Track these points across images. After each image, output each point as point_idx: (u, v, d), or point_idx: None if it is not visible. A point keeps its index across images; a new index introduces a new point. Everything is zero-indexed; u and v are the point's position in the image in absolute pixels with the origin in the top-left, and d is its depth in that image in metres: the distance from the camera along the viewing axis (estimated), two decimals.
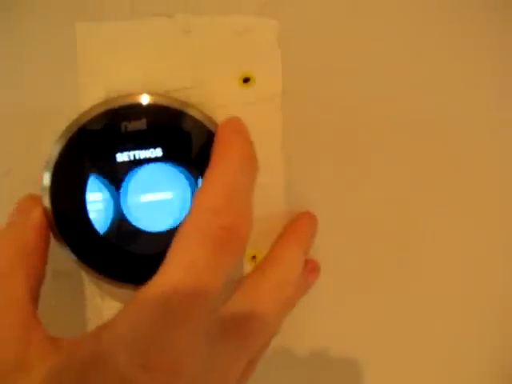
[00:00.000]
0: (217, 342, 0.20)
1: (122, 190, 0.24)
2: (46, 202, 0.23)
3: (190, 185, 0.24)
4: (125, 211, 0.24)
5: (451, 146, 0.27)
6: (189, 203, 0.24)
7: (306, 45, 0.25)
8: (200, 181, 0.24)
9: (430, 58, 0.26)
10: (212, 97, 0.25)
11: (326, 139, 0.27)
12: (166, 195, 0.24)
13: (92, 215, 0.24)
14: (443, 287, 0.29)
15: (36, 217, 0.22)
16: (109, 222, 0.24)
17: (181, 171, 0.24)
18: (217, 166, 0.21)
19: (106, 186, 0.24)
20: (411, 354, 0.30)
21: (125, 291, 0.25)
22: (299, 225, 0.26)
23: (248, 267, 0.27)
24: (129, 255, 0.24)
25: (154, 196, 0.24)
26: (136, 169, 0.24)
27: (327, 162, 0.27)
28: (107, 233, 0.24)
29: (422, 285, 0.29)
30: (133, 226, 0.24)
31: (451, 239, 0.28)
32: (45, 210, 0.23)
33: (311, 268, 0.26)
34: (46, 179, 0.23)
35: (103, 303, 0.28)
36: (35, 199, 0.23)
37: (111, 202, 0.24)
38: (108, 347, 0.17)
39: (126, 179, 0.24)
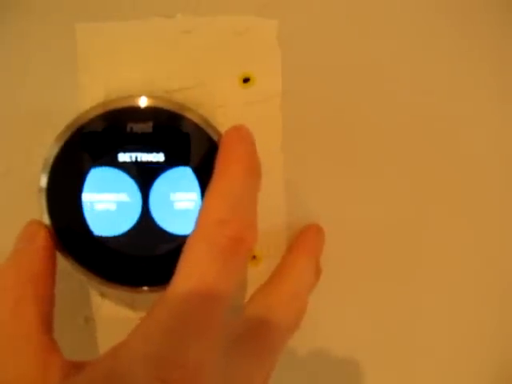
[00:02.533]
0: (234, 353, 0.20)
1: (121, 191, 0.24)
2: (43, 202, 0.23)
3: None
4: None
5: (452, 146, 0.27)
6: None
7: (306, 45, 0.25)
8: (198, 184, 0.24)
9: (430, 58, 0.26)
10: (212, 97, 0.25)
11: (325, 139, 0.27)
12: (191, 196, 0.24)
13: (88, 215, 0.24)
14: (443, 287, 0.29)
15: (41, 241, 0.22)
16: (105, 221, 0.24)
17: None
18: (222, 176, 0.21)
19: (103, 186, 0.24)
20: (411, 354, 0.30)
21: (123, 292, 0.25)
22: (308, 236, 0.27)
23: (248, 267, 0.27)
24: (124, 257, 0.24)
25: (179, 197, 0.24)
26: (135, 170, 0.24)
27: (327, 162, 0.27)
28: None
29: (422, 285, 0.29)
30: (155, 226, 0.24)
31: (451, 240, 0.28)
32: (49, 230, 0.23)
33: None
34: (43, 180, 0.23)
35: (103, 302, 0.28)
36: (38, 224, 0.23)
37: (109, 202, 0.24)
38: (125, 363, 0.17)
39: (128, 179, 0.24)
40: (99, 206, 0.24)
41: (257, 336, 0.21)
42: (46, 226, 0.23)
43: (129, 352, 0.18)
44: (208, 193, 0.20)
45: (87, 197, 0.24)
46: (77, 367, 0.20)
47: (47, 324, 0.21)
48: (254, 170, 0.21)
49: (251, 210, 0.21)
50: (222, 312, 0.19)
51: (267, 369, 0.22)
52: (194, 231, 0.20)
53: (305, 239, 0.26)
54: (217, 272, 0.19)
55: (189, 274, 0.19)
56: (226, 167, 0.21)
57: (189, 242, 0.20)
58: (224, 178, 0.21)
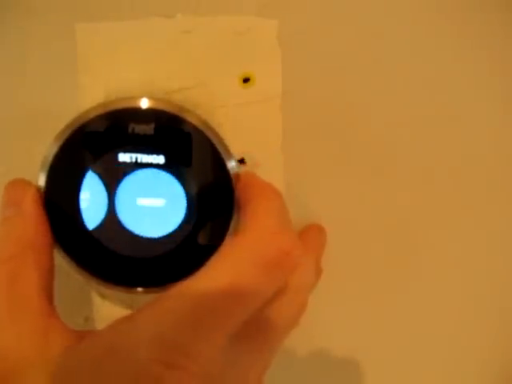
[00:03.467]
0: (236, 348, 0.20)
1: (118, 191, 0.24)
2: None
3: (187, 194, 0.24)
4: (118, 212, 0.24)
5: (452, 146, 0.27)
6: (183, 212, 0.24)
7: (306, 45, 0.25)
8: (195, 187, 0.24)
9: (431, 58, 0.26)
10: (212, 97, 0.25)
11: (325, 139, 0.27)
12: (159, 202, 0.24)
13: (85, 214, 0.24)
14: (443, 287, 0.29)
15: (30, 206, 0.22)
16: (99, 221, 0.24)
17: (178, 180, 0.24)
18: (256, 199, 0.22)
19: (101, 186, 0.24)
20: (411, 354, 0.30)
21: (122, 293, 0.25)
22: (310, 235, 0.27)
23: None
24: (121, 258, 0.24)
25: (149, 201, 0.24)
26: (134, 172, 0.24)
27: (327, 162, 0.27)
28: (97, 232, 0.24)
29: (422, 285, 0.29)
30: (123, 227, 0.24)
31: (452, 239, 0.28)
32: (37, 189, 0.23)
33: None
34: (42, 179, 0.23)
35: (103, 303, 0.28)
36: (23, 184, 0.23)
37: (105, 202, 0.24)
38: (130, 340, 0.17)
39: (124, 180, 0.24)
40: (96, 203, 0.24)
41: (255, 332, 0.21)
42: (32, 186, 0.23)
43: (135, 330, 0.18)
44: (250, 214, 0.21)
45: (85, 196, 0.24)
46: (78, 336, 0.20)
47: (48, 291, 0.21)
48: (277, 191, 0.22)
49: (291, 226, 0.22)
50: (243, 316, 0.19)
51: (263, 365, 0.22)
52: (242, 235, 0.20)
53: (306, 238, 0.26)
54: (253, 277, 0.19)
55: (221, 273, 0.19)
56: (255, 191, 0.22)
57: (228, 244, 0.20)
58: (260, 199, 0.22)
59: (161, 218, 0.24)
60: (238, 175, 0.24)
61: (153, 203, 0.24)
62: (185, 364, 0.17)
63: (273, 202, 0.22)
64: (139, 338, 0.17)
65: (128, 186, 0.24)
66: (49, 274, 0.22)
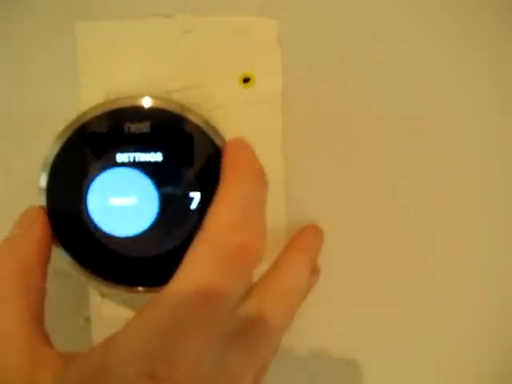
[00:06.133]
0: (226, 351, 0.20)
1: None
2: (43, 202, 0.23)
3: (188, 193, 0.24)
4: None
5: (453, 146, 0.27)
6: (155, 210, 0.24)
7: (306, 45, 0.25)
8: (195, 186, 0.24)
9: (431, 58, 0.26)
10: (212, 97, 0.25)
11: (325, 139, 0.27)
12: (131, 200, 0.24)
13: (87, 215, 0.24)
14: (444, 286, 0.29)
15: (37, 231, 0.22)
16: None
17: (178, 179, 0.24)
18: (230, 181, 0.20)
19: (101, 186, 0.24)
20: (411, 355, 0.30)
21: (123, 292, 0.25)
22: (306, 235, 0.26)
23: None
24: (122, 258, 0.24)
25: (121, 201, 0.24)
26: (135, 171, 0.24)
27: (327, 161, 0.27)
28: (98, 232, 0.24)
29: (422, 285, 0.29)
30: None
31: (452, 239, 0.28)
32: (47, 217, 0.23)
33: (312, 270, 0.26)
34: (43, 179, 0.23)
35: (103, 303, 0.28)
36: (37, 210, 0.23)
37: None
38: (115, 359, 0.17)
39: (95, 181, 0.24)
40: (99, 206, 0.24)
41: (245, 334, 0.21)
42: (44, 213, 0.23)
43: (119, 348, 0.18)
44: (217, 198, 0.20)
45: (86, 196, 0.24)
46: (67, 360, 0.19)
47: (37, 316, 0.21)
48: (261, 176, 0.21)
49: (261, 217, 0.21)
50: (220, 316, 0.19)
51: (258, 368, 0.21)
52: (199, 235, 0.20)
53: (301, 238, 0.26)
54: (220, 277, 0.19)
55: (190, 276, 0.19)
56: (233, 172, 0.21)
57: (194, 245, 0.19)
58: (233, 184, 0.20)
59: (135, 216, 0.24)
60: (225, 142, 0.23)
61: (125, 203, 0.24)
62: (169, 374, 0.17)
63: (243, 188, 0.20)
64: (125, 354, 0.17)
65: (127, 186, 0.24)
66: (40, 298, 0.21)
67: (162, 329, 0.18)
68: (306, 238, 0.26)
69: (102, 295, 0.27)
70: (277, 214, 0.27)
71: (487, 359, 0.30)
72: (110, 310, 0.28)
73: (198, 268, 0.19)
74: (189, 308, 0.18)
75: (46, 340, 0.20)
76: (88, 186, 0.23)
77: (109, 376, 0.17)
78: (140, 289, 0.24)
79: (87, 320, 0.28)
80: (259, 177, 0.21)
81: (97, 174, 0.23)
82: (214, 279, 0.19)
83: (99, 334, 0.28)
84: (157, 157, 0.23)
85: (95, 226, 0.24)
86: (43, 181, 0.23)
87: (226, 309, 0.19)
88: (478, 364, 0.30)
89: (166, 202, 0.24)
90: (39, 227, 0.22)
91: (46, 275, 0.22)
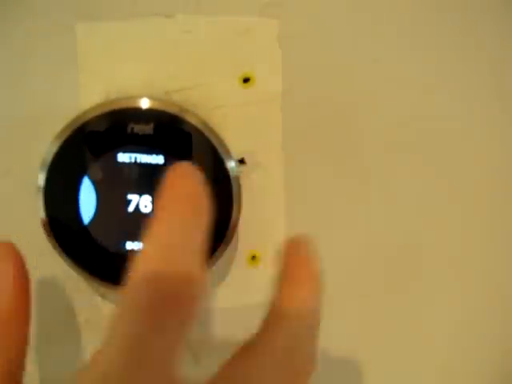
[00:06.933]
0: None
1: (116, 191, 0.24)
2: (41, 202, 0.23)
3: None
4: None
5: (453, 146, 0.27)
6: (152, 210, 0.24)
7: (306, 45, 0.25)
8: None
9: (431, 58, 0.26)
10: (212, 97, 0.25)
11: (325, 139, 0.27)
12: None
13: (84, 214, 0.24)
14: (444, 287, 0.29)
15: (9, 278, 0.19)
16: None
17: None
18: (156, 223, 0.17)
19: (99, 186, 0.24)
20: (411, 354, 0.30)
21: None
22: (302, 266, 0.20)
23: (248, 267, 0.27)
24: (120, 257, 0.24)
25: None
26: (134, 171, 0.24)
27: (327, 162, 0.27)
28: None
29: (422, 285, 0.29)
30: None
31: (452, 243, 0.28)
32: (19, 256, 0.19)
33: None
34: (41, 178, 0.23)
35: (103, 303, 0.28)
36: (6, 249, 0.19)
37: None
38: None
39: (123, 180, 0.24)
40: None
41: None
42: (15, 251, 0.19)
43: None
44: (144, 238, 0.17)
45: (84, 197, 0.24)
46: None
47: (13, 376, 0.18)
48: (196, 209, 0.17)
49: (191, 258, 0.16)
50: (167, 355, 0.15)
51: None
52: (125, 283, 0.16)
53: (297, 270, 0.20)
54: (148, 338, 0.15)
55: (110, 340, 0.16)
56: (162, 208, 0.17)
57: (121, 293, 0.16)
58: (158, 225, 0.17)
59: None
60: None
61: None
62: None
63: (165, 227, 0.17)
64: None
65: (127, 185, 0.24)
66: (19, 355, 0.19)
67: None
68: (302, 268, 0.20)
69: (102, 296, 0.27)
70: (277, 214, 0.27)
71: (487, 359, 0.30)
72: (109, 311, 0.27)
73: (116, 331, 0.16)
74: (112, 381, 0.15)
75: None
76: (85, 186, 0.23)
77: None
78: None
79: (88, 322, 0.28)
80: (192, 209, 0.17)
81: (92, 175, 0.23)
82: (131, 345, 0.15)
83: (100, 334, 0.28)
84: (158, 159, 0.23)
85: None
86: (41, 180, 0.23)
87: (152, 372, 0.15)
88: (478, 364, 0.30)
89: None
90: (11, 273, 0.19)
91: (29, 325, 0.19)
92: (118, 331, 0.16)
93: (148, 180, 0.24)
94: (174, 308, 0.16)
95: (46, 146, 0.23)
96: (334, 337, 0.29)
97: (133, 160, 0.23)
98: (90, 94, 0.24)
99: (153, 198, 0.24)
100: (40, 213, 0.24)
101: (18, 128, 0.25)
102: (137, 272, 0.16)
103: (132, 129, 0.23)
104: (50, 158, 0.23)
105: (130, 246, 0.24)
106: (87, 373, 0.16)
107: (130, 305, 0.16)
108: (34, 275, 0.25)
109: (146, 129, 0.23)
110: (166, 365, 0.15)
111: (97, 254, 0.24)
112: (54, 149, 0.23)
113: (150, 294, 0.15)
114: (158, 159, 0.23)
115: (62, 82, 0.25)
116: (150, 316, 0.15)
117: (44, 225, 0.23)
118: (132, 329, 0.15)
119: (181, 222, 0.17)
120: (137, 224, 0.22)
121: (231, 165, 0.24)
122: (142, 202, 0.24)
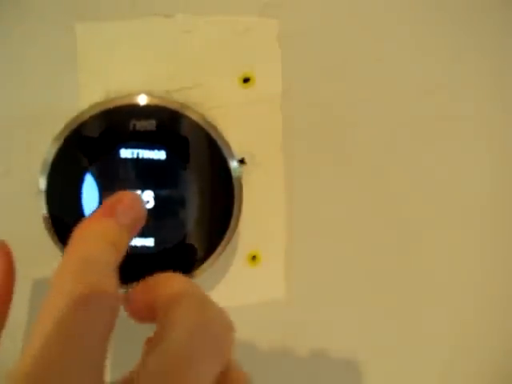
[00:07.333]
0: None
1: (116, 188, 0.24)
2: (42, 202, 0.23)
3: (186, 191, 0.24)
4: None
5: (453, 146, 0.27)
6: (182, 210, 0.24)
7: (306, 45, 0.25)
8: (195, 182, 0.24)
9: (431, 58, 0.26)
10: (212, 97, 0.25)
11: (326, 139, 0.27)
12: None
13: (87, 210, 0.24)
14: (443, 286, 0.29)
15: None
16: None
17: (178, 177, 0.24)
18: (55, 275, 0.17)
19: (101, 183, 0.24)
20: (411, 354, 0.30)
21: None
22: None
23: (248, 267, 0.27)
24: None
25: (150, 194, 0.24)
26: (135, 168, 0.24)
27: (327, 161, 0.27)
28: None
29: (422, 285, 0.29)
30: None
31: (452, 242, 0.28)
32: (8, 252, 0.20)
33: None
34: (42, 181, 0.23)
35: None
36: None
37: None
38: None
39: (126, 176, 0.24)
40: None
41: None
42: (4, 249, 0.20)
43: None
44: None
45: (86, 195, 0.24)
46: None
47: None
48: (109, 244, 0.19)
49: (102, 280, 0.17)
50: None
51: None
52: None
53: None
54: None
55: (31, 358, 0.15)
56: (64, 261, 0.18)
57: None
58: (56, 277, 0.17)
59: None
60: None
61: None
62: None
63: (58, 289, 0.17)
64: None
65: (128, 182, 0.24)
66: None
67: None
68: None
69: None
70: (277, 214, 0.27)
71: (487, 359, 0.30)
72: None
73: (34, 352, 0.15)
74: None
75: None
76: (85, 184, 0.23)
77: None
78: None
79: None
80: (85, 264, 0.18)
81: (94, 173, 0.23)
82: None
83: None
84: (160, 155, 0.24)
85: None
86: (42, 179, 0.23)
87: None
88: (479, 364, 0.30)
89: (162, 201, 0.24)
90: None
91: (3, 325, 0.19)
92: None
93: (150, 175, 0.24)
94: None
95: (45, 146, 0.23)
96: (334, 337, 0.29)
97: (135, 156, 0.23)
98: (89, 94, 0.24)
99: (155, 193, 0.24)
100: (42, 209, 0.24)
101: (18, 128, 0.25)
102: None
103: (134, 125, 0.23)
104: (52, 155, 0.23)
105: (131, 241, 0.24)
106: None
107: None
108: (35, 273, 0.25)
109: (148, 125, 0.23)
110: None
111: None
112: (56, 147, 0.23)
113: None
114: (160, 154, 0.24)
115: (62, 82, 0.25)
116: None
117: (45, 221, 0.23)
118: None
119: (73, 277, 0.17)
120: None
121: (233, 162, 0.24)
122: (144, 198, 0.24)
